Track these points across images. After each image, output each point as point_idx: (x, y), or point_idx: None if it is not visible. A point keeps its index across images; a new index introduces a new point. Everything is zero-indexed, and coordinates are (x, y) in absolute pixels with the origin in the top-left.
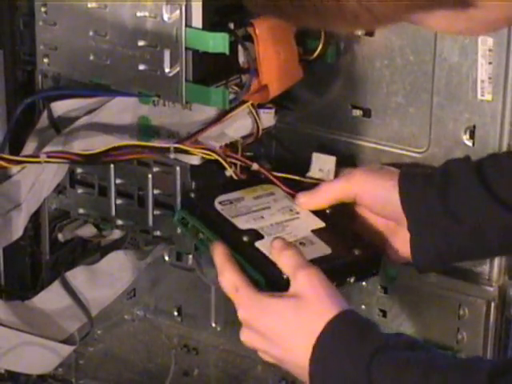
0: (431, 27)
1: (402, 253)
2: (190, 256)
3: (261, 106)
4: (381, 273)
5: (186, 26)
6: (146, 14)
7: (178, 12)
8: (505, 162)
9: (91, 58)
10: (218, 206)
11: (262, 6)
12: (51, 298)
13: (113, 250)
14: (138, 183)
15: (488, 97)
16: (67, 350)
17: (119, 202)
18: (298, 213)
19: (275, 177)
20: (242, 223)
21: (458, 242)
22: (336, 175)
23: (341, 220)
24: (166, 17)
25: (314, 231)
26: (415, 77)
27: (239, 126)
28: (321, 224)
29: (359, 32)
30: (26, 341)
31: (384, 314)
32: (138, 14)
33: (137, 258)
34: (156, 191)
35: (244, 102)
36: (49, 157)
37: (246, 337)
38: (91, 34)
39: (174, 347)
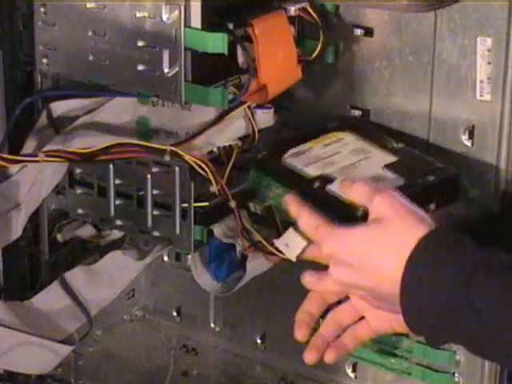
0: None
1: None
2: (189, 256)
3: (260, 105)
4: (461, 196)
5: (185, 26)
6: (145, 14)
7: (177, 12)
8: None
9: (90, 58)
10: (288, 160)
11: None
12: (50, 298)
13: (112, 250)
14: (137, 184)
15: (487, 97)
16: (66, 350)
17: (118, 202)
18: (369, 152)
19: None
20: (312, 171)
21: None
22: None
23: (411, 151)
24: (165, 17)
25: (386, 166)
26: (414, 77)
27: (235, 127)
28: (393, 159)
29: (358, 32)
30: (25, 341)
31: None
32: (137, 14)
33: (136, 259)
34: (155, 191)
35: (242, 103)
36: (47, 156)
37: (336, 273)
38: (90, 34)
39: (173, 347)
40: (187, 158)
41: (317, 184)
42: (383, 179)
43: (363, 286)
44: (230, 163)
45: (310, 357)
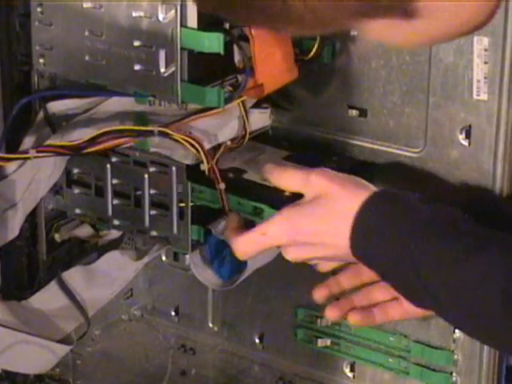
0: (370, 36)
1: None
2: (187, 256)
3: (256, 105)
4: None
5: (182, 25)
6: (142, 14)
7: (173, 12)
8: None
9: (87, 58)
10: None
11: (210, 5)
12: (48, 298)
13: (110, 250)
14: (135, 183)
15: (484, 96)
16: (64, 349)
17: (116, 202)
18: (264, 149)
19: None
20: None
21: None
22: None
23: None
24: (161, 17)
25: (284, 158)
26: (411, 77)
27: (230, 127)
28: (288, 153)
29: (355, 32)
30: (23, 340)
31: None
32: (134, 14)
33: (134, 258)
34: (152, 191)
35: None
36: (38, 151)
37: (292, 253)
38: (87, 34)
39: (171, 347)
40: (176, 136)
41: (231, 175)
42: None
43: (322, 256)
44: (215, 158)
45: (322, 297)
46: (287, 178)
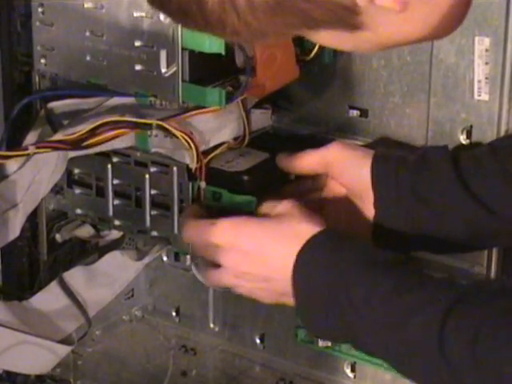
0: (318, 42)
1: (364, 231)
2: (188, 256)
3: (257, 105)
4: None
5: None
6: (143, 14)
7: None
8: (482, 157)
9: (88, 58)
10: None
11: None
12: (49, 299)
13: (111, 250)
14: (136, 183)
15: (485, 97)
16: (65, 350)
17: (117, 202)
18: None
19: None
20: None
21: (423, 227)
22: None
23: None
24: (162, 17)
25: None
26: (412, 77)
27: (231, 128)
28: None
29: None
30: (24, 341)
31: None
32: (135, 14)
33: (135, 259)
34: (153, 191)
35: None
36: (37, 147)
37: (228, 260)
38: (88, 34)
39: (172, 347)
40: (174, 130)
41: None
42: (249, 153)
43: (256, 274)
44: (208, 158)
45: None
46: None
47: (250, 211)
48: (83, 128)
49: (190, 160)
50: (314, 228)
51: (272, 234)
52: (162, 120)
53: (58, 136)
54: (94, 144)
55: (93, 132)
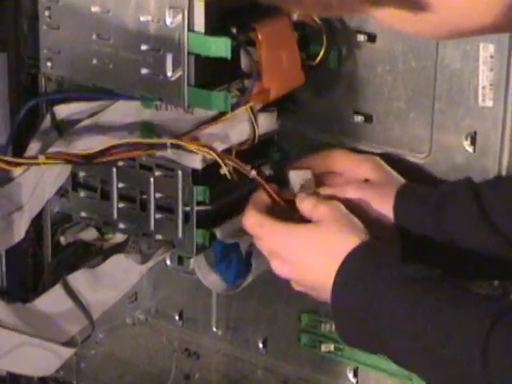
0: (379, 21)
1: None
2: (192, 260)
3: (263, 109)
4: None
5: (189, 30)
6: (149, 18)
7: (180, 16)
8: (504, 188)
9: (94, 61)
10: None
11: None
12: (53, 301)
13: (115, 253)
14: (140, 187)
15: (489, 103)
16: (68, 352)
17: (121, 205)
18: None
19: (270, 187)
20: None
21: (446, 258)
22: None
23: None
24: (168, 21)
25: None
26: (417, 82)
27: (239, 130)
28: None
29: (361, 38)
30: (27, 342)
31: None
32: (141, 18)
33: (138, 262)
34: (158, 195)
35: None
36: (47, 158)
37: (276, 268)
38: (94, 37)
39: (175, 351)
40: (191, 146)
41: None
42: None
43: (300, 281)
44: (233, 156)
45: None
46: (301, 200)
47: None
48: (91, 139)
49: (196, 164)
50: (355, 239)
51: (313, 246)
52: (176, 138)
53: (63, 142)
54: (106, 162)
55: (106, 151)
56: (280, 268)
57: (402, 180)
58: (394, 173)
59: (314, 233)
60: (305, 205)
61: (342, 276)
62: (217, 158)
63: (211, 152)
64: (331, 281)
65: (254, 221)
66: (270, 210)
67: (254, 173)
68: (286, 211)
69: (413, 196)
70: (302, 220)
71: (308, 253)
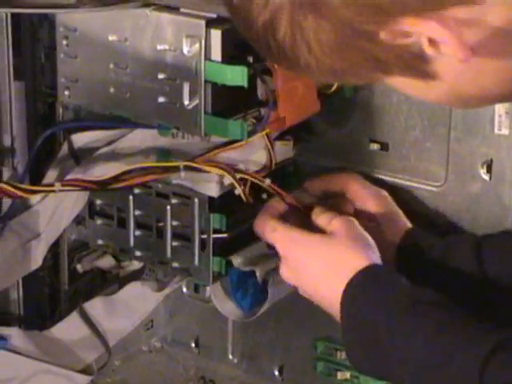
0: (399, 91)
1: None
2: (208, 288)
3: (279, 138)
4: None
5: (206, 59)
6: (166, 47)
7: (197, 45)
8: (505, 245)
9: (111, 90)
10: None
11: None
12: (69, 328)
13: (131, 281)
14: (157, 215)
15: (505, 131)
16: (85, 380)
17: (138, 233)
18: None
19: (286, 195)
20: None
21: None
22: None
23: None
24: (185, 50)
25: None
26: (432, 111)
27: (256, 157)
28: None
29: None
30: (44, 370)
31: None
32: (158, 47)
33: (155, 290)
34: (174, 223)
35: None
36: (63, 185)
37: (283, 273)
38: (112, 66)
39: (191, 379)
40: (203, 167)
41: None
42: None
43: (305, 290)
44: (247, 187)
45: None
46: (317, 215)
47: None
48: (107, 166)
49: (212, 192)
50: (363, 258)
51: (323, 257)
52: (189, 160)
53: (80, 170)
54: (120, 188)
55: (120, 176)
56: (286, 274)
57: (406, 221)
58: (400, 212)
59: (328, 245)
60: (321, 219)
61: (348, 297)
62: (228, 175)
63: (224, 171)
64: (335, 296)
65: (266, 225)
66: (283, 218)
67: (268, 181)
68: (298, 221)
69: (414, 252)
70: (316, 230)
71: (316, 263)
